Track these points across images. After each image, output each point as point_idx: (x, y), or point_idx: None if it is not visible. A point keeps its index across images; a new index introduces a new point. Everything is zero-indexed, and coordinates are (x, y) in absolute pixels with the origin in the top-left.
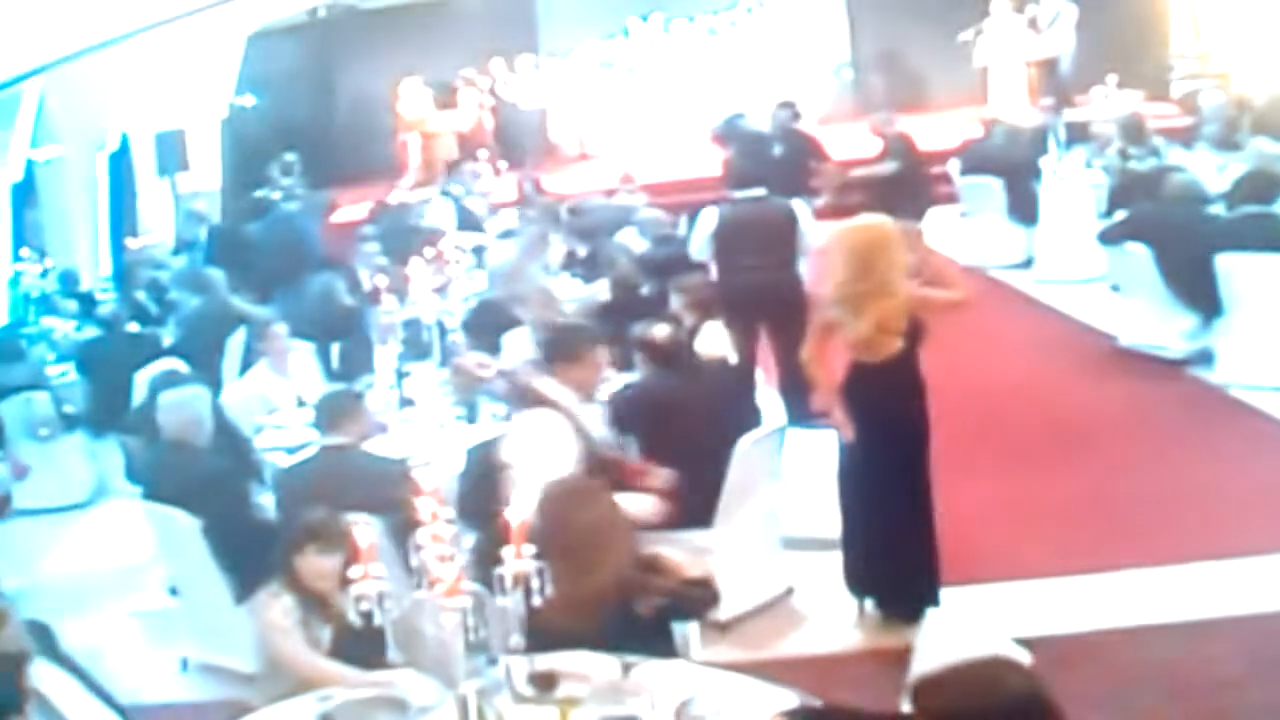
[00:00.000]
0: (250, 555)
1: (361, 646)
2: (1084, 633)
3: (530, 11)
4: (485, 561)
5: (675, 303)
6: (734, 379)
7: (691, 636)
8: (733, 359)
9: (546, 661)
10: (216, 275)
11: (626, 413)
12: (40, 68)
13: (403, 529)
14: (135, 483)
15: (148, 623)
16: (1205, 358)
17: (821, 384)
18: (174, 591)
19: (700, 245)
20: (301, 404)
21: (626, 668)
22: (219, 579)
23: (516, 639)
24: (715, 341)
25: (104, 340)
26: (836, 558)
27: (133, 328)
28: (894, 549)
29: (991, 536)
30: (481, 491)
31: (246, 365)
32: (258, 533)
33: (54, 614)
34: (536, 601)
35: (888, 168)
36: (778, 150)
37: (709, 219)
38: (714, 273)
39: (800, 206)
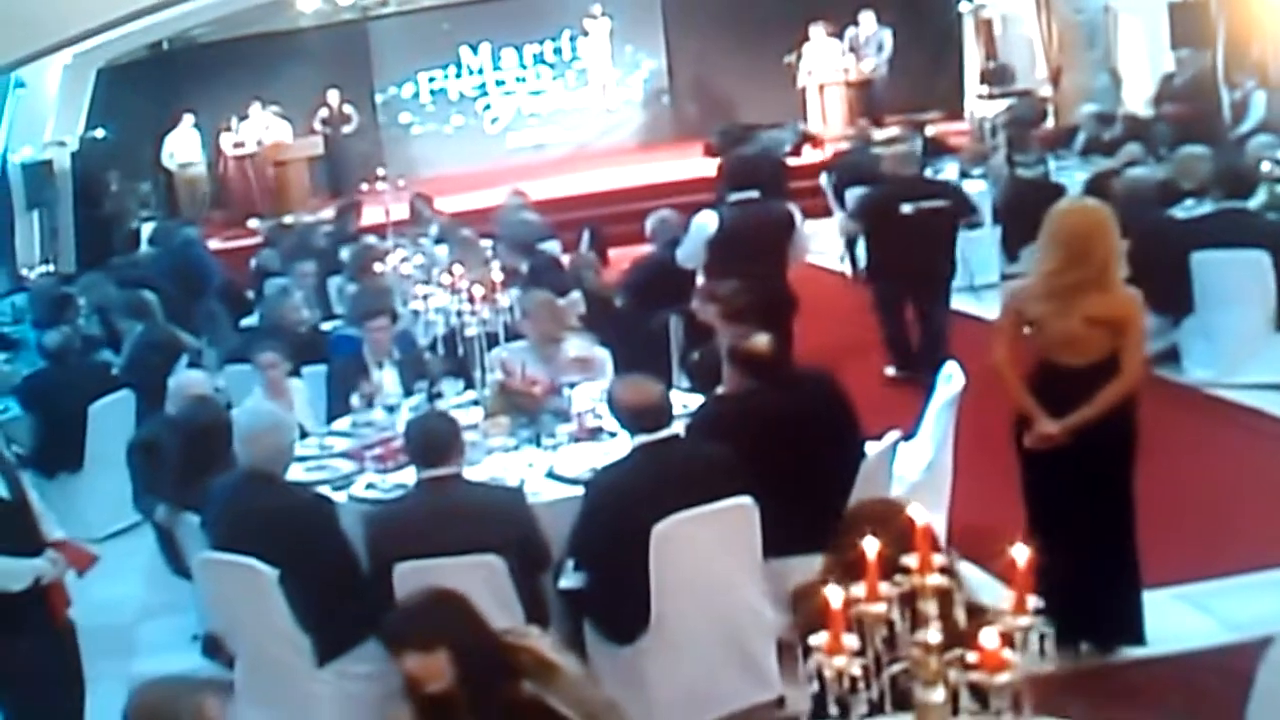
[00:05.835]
0: (338, 610)
1: None
2: None
3: (365, 42)
4: (590, 612)
5: (706, 313)
6: (831, 390)
7: None
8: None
9: None
10: (153, 300)
11: (729, 426)
12: None
13: (528, 569)
14: (146, 517)
15: None
16: (1168, 357)
17: (1016, 388)
18: (202, 643)
19: (694, 251)
20: (304, 435)
21: None
22: (297, 638)
23: None
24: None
25: (50, 373)
26: None
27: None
28: (1093, 580)
29: None
30: (604, 529)
31: None
32: (346, 583)
33: None
34: None
35: None
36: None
37: (706, 223)
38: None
39: (795, 210)
